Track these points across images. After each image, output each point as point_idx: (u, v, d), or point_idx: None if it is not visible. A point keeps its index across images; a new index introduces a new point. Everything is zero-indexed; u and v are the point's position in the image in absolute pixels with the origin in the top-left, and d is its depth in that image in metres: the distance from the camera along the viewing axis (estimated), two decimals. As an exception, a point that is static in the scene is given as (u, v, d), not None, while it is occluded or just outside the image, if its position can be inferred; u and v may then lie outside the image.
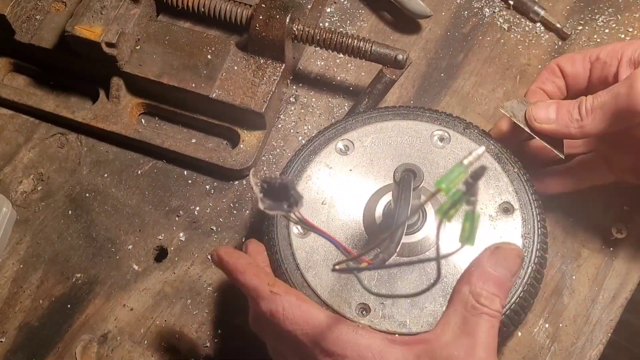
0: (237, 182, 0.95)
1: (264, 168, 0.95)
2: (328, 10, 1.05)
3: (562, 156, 0.82)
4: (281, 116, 0.98)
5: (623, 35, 1.00)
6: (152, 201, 0.94)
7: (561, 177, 0.87)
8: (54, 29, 0.98)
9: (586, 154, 0.88)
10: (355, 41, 0.92)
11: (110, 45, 0.92)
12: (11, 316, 0.89)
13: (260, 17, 0.91)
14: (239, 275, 0.73)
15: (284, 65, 0.94)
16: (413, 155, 0.84)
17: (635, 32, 1.00)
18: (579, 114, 0.78)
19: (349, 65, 1.01)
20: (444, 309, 0.73)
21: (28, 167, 0.97)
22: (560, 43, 1.01)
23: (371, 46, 0.92)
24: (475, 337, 0.65)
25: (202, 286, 0.89)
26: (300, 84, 1.00)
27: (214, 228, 0.92)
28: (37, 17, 0.98)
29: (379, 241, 0.65)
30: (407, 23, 1.03)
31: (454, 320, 0.66)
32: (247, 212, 0.93)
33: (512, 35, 1.02)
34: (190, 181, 0.95)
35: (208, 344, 0.87)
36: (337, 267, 0.63)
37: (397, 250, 0.64)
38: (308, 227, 0.66)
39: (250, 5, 0.95)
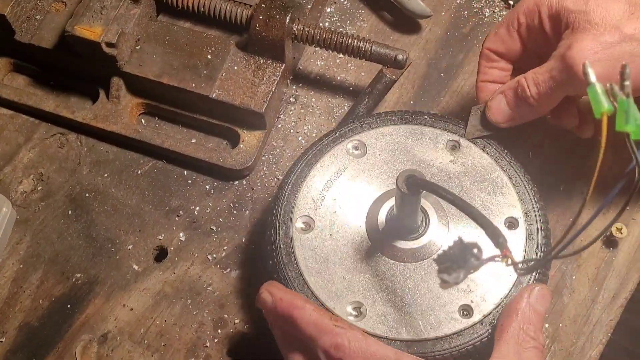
0: (237, 182, 0.95)
1: (264, 168, 0.95)
2: (328, 10, 1.05)
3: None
4: (281, 116, 0.98)
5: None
6: (152, 201, 0.94)
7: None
8: (54, 29, 0.98)
9: None
10: (355, 41, 0.92)
11: (110, 45, 0.92)
12: (11, 316, 0.89)
13: (260, 17, 0.91)
14: (297, 310, 0.72)
15: (284, 65, 0.94)
16: (420, 162, 0.84)
17: (635, 32, 1.00)
18: (529, 102, 0.80)
19: (349, 65, 1.01)
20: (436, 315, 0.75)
21: (28, 167, 0.97)
22: (560, 43, 1.00)
23: (371, 46, 0.92)
24: None
25: (202, 286, 0.89)
26: (300, 84, 1.00)
27: (214, 228, 0.92)
28: (37, 17, 0.98)
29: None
30: (407, 23, 1.03)
31: (510, 354, 0.70)
32: (247, 212, 0.93)
33: (512, 36, 1.01)
34: (190, 181, 0.95)
35: (208, 344, 0.87)
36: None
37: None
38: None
39: (250, 5, 0.95)
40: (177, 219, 0.93)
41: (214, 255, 0.91)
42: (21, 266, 0.91)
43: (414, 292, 0.78)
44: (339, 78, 1.00)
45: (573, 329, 0.85)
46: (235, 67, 0.94)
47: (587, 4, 0.75)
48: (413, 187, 0.70)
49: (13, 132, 0.99)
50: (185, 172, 0.96)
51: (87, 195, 0.95)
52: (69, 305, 0.89)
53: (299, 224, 0.82)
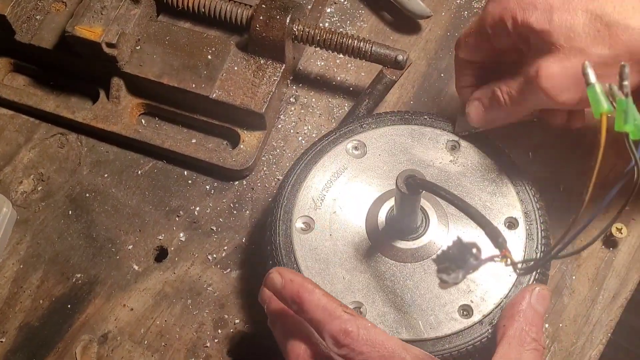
0: (237, 182, 0.95)
1: (264, 168, 0.95)
2: (328, 10, 1.05)
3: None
4: (281, 116, 0.98)
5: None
6: (152, 201, 0.94)
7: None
8: (54, 29, 0.98)
9: None
10: (355, 42, 0.92)
11: (110, 45, 0.92)
12: (11, 316, 0.89)
13: (261, 18, 0.91)
14: (307, 294, 0.71)
15: (284, 65, 0.94)
16: (420, 162, 0.84)
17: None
18: (502, 110, 0.80)
19: (349, 65, 1.01)
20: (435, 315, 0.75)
21: (28, 167, 0.97)
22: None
23: (371, 47, 0.92)
24: None
25: (202, 286, 0.89)
26: (300, 85, 1.00)
27: (214, 228, 0.92)
28: (37, 17, 0.98)
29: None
30: (407, 23, 1.03)
31: (511, 355, 0.70)
32: (247, 212, 0.93)
33: (512, 36, 1.01)
34: (190, 181, 0.95)
35: (208, 344, 0.87)
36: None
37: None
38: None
39: (251, 6, 0.95)
40: (177, 219, 0.93)
41: (214, 256, 0.91)
42: (21, 266, 0.92)
43: (413, 292, 0.78)
44: (339, 78, 1.00)
45: (573, 329, 0.85)
46: (236, 68, 0.94)
47: (551, 22, 0.72)
48: (413, 187, 0.70)
49: (13, 132, 0.99)
50: (185, 173, 0.96)
51: (87, 195, 0.95)
52: (69, 306, 0.89)
53: (298, 224, 0.82)
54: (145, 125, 0.99)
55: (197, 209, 0.94)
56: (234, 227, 0.92)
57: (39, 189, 0.96)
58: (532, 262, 0.75)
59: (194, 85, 0.93)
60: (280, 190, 0.84)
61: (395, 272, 0.79)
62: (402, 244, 0.80)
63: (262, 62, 0.94)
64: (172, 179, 0.96)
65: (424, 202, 0.80)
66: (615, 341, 0.89)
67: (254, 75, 0.93)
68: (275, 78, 0.93)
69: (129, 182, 0.96)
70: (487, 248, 0.65)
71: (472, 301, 0.77)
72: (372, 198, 0.83)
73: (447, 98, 0.98)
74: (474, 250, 0.64)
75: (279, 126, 0.98)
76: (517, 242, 0.80)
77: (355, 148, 0.86)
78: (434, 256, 0.78)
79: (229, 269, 0.90)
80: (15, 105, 1.00)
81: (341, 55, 0.96)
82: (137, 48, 0.95)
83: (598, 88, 0.60)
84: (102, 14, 0.93)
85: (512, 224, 0.81)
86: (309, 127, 0.97)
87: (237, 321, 0.88)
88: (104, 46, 0.92)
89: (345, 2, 1.05)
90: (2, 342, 0.88)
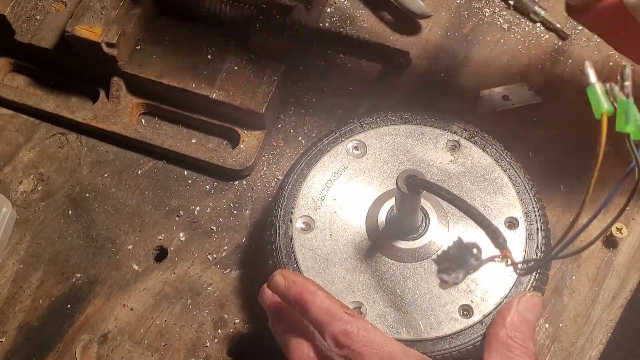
0: (237, 182, 0.95)
1: (264, 168, 0.95)
2: (328, 10, 1.05)
3: None
4: (281, 116, 0.98)
5: (623, 36, 1.00)
6: (152, 201, 0.94)
7: None
8: (54, 29, 0.98)
9: None
10: (355, 41, 0.92)
11: (110, 45, 0.92)
12: (11, 316, 0.89)
13: (261, 18, 0.91)
14: (310, 295, 0.71)
15: (284, 65, 0.94)
16: (421, 162, 0.84)
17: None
18: None
19: (350, 65, 1.01)
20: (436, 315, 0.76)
21: (28, 167, 0.97)
22: (560, 43, 1.01)
23: (371, 46, 0.92)
24: None
25: (202, 286, 0.89)
26: (301, 84, 1.00)
27: (214, 228, 0.92)
28: (37, 17, 0.98)
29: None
30: (407, 23, 1.03)
31: None
32: (247, 212, 0.93)
33: (512, 36, 1.02)
34: (190, 181, 0.95)
35: (208, 344, 0.87)
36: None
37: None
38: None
39: (251, 6, 0.95)
40: (177, 219, 0.93)
41: (214, 255, 0.91)
42: (21, 266, 0.91)
43: (414, 292, 0.78)
44: (339, 78, 1.00)
45: (573, 329, 0.85)
46: (236, 68, 0.94)
47: None
48: (413, 187, 0.70)
49: (13, 132, 0.99)
50: (185, 172, 0.96)
51: (87, 195, 0.95)
52: (69, 305, 0.89)
53: (299, 224, 0.82)
54: (145, 125, 0.98)
55: (197, 208, 0.94)
56: (233, 227, 0.92)
57: (38, 188, 0.96)
58: (533, 263, 0.75)
59: (194, 85, 0.93)
60: (280, 190, 0.84)
61: (395, 272, 0.79)
62: (403, 244, 0.80)
63: (262, 62, 0.94)
64: (172, 178, 0.96)
65: (424, 202, 0.80)
66: (616, 341, 0.89)
67: (254, 75, 0.93)
68: (275, 78, 0.93)
69: (128, 182, 0.96)
70: (488, 248, 0.65)
71: (472, 301, 0.77)
72: (372, 198, 0.83)
73: (447, 98, 0.98)
74: (474, 251, 0.64)
75: (279, 126, 0.98)
76: (518, 242, 0.80)
77: (356, 148, 0.86)
78: (434, 256, 0.77)
79: (229, 269, 0.90)
80: (15, 105, 1.00)
81: (341, 55, 0.96)
82: (137, 48, 0.95)
83: (599, 88, 0.60)
84: (102, 13, 0.93)
85: (512, 224, 0.81)
86: (309, 127, 0.97)
87: (237, 321, 0.88)
88: (103, 46, 0.92)
89: (345, 2, 1.05)
90: (1, 342, 0.88)
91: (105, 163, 0.97)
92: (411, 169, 0.70)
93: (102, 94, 0.98)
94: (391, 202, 0.81)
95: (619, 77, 0.59)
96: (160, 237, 0.92)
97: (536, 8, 1.01)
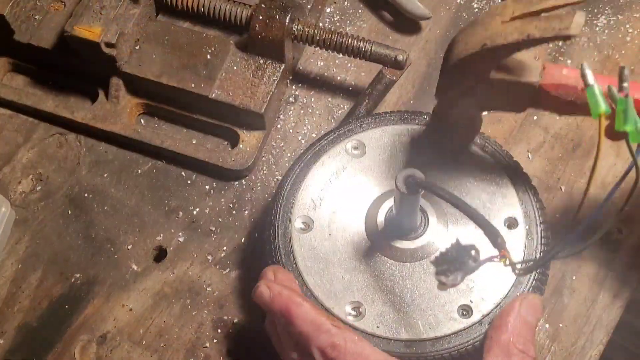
0: (236, 183, 0.95)
1: (264, 168, 0.95)
2: (328, 10, 1.04)
3: None
4: (281, 116, 0.98)
5: (622, 36, 1.00)
6: (152, 201, 0.94)
7: None
8: (53, 29, 0.97)
9: None
10: (355, 41, 0.92)
11: (109, 45, 0.92)
12: (10, 316, 0.89)
13: (260, 17, 0.91)
14: (295, 307, 0.71)
15: (283, 65, 0.93)
16: (419, 162, 0.84)
17: (635, 32, 1.00)
18: None
19: (349, 65, 1.01)
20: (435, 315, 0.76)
21: (27, 167, 0.97)
22: (560, 43, 1.00)
23: (371, 46, 0.92)
24: None
25: (201, 286, 0.89)
26: (300, 84, 1.00)
27: (213, 228, 0.92)
28: (36, 17, 0.98)
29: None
30: (407, 23, 1.03)
31: None
32: (247, 212, 0.93)
33: (512, 36, 1.01)
34: (189, 181, 0.95)
35: (207, 345, 0.87)
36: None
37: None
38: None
39: (250, 5, 0.95)
40: (176, 219, 0.93)
41: (214, 256, 0.91)
42: (20, 266, 0.91)
43: (413, 292, 0.78)
44: (338, 78, 1.00)
45: (573, 329, 0.85)
46: (235, 67, 0.94)
47: None
48: (412, 187, 0.70)
49: (12, 132, 0.99)
50: (184, 173, 0.96)
51: (86, 195, 0.95)
52: (67, 306, 0.89)
53: (298, 224, 0.82)
54: (144, 125, 0.98)
55: (197, 209, 0.93)
56: (233, 227, 0.92)
57: (37, 188, 0.96)
58: (531, 263, 0.75)
59: (193, 85, 0.93)
60: (279, 190, 0.84)
61: (394, 272, 0.79)
62: (402, 244, 0.79)
63: (261, 61, 0.94)
64: (172, 179, 0.95)
65: (423, 202, 0.80)
66: (616, 341, 0.89)
67: (254, 75, 0.93)
68: (274, 78, 0.93)
69: (128, 182, 0.95)
70: (486, 248, 0.65)
71: (471, 301, 0.77)
72: (371, 198, 0.83)
73: (446, 98, 0.98)
74: (473, 252, 0.64)
75: (279, 126, 0.98)
76: (517, 242, 0.80)
77: (355, 148, 0.85)
78: (432, 258, 0.77)
79: (228, 269, 0.90)
80: (14, 105, 1.00)
81: (341, 55, 0.96)
82: (136, 48, 0.95)
83: (597, 89, 0.60)
84: (101, 13, 0.93)
85: (512, 224, 0.80)
86: (309, 127, 0.97)
87: (236, 321, 0.88)
88: (103, 46, 0.92)
89: (345, 2, 1.05)
90: (0, 342, 0.88)
91: (104, 163, 0.97)
92: (410, 169, 0.70)
93: (101, 94, 0.98)
94: (390, 202, 0.81)
95: (617, 78, 0.59)
96: (159, 237, 0.92)
97: (536, 8, 1.01)
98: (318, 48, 0.95)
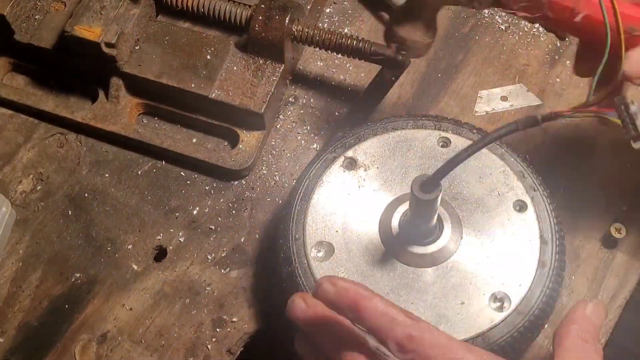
0: (236, 182, 0.95)
1: (263, 168, 0.95)
2: (327, 10, 1.05)
3: None
4: (280, 116, 0.98)
5: (622, 36, 1.00)
6: (152, 201, 0.94)
7: None
8: (54, 29, 0.98)
9: None
10: (355, 42, 0.92)
11: (109, 45, 0.92)
12: (10, 316, 0.89)
13: (260, 18, 0.91)
14: (365, 301, 0.68)
15: (283, 65, 0.94)
16: (421, 165, 0.84)
17: (636, 33, 1.00)
18: None
19: (348, 65, 1.01)
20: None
21: (27, 167, 0.97)
22: (559, 44, 1.01)
23: (370, 47, 0.92)
24: None
25: (201, 286, 0.89)
26: (300, 85, 1.00)
27: (213, 228, 0.92)
28: (37, 17, 0.98)
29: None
30: (406, 24, 1.03)
31: (571, 356, 0.69)
32: (247, 212, 0.93)
33: (510, 36, 1.02)
34: (189, 181, 0.95)
35: (207, 344, 0.87)
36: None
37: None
38: None
39: (250, 6, 0.95)
40: (176, 218, 0.93)
41: (213, 255, 0.91)
42: (20, 266, 0.91)
43: (434, 295, 0.78)
44: (338, 79, 1.00)
45: (572, 329, 0.85)
46: (235, 68, 0.94)
47: None
48: (430, 187, 0.69)
49: (12, 132, 0.99)
50: (184, 172, 0.96)
51: (86, 195, 0.95)
52: (68, 305, 0.89)
53: (314, 253, 0.81)
54: (144, 125, 0.98)
55: (197, 208, 0.94)
56: (233, 227, 0.92)
57: (38, 188, 0.96)
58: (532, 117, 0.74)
59: (193, 85, 0.93)
60: (286, 221, 0.83)
61: (413, 278, 0.78)
62: (417, 249, 0.79)
63: (261, 62, 0.94)
64: (172, 178, 0.96)
65: None
66: (615, 341, 0.89)
67: (253, 75, 0.93)
68: (274, 78, 0.93)
69: (128, 182, 0.96)
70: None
71: (497, 297, 0.77)
72: (382, 205, 0.82)
73: (446, 98, 0.98)
74: None
75: (278, 126, 0.98)
76: (530, 222, 0.80)
77: (350, 163, 0.85)
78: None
79: (228, 269, 0.90)
80: (15, 104, 1.00)
81: (340, 56, 0.96)
82: (137, 48, 0.95)
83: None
84: (101, 13, 0.93)
85: (521, 207, 0.81)
86: (308, 128, 0.97)
87: (235, 320, 0.88)
88: (103, 46, 0.92)
89: (345, 3, 1.05)
90: (1, 341, 0.88)
91: (104, 163, 0.97)
92: (422, 174, 0.69)
93: (101, 93, 0.98)
94: (403, 208, 0.80)
95: None
96: (159, 237, 0.92)
97: (535, 9, 1.01)
98: (317, 48, 0.95)
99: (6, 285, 0.91)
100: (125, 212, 0.94)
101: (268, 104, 0.92)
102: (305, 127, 0.98)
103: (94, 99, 0.99)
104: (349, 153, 0.86)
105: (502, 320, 0.76)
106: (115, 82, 0.96)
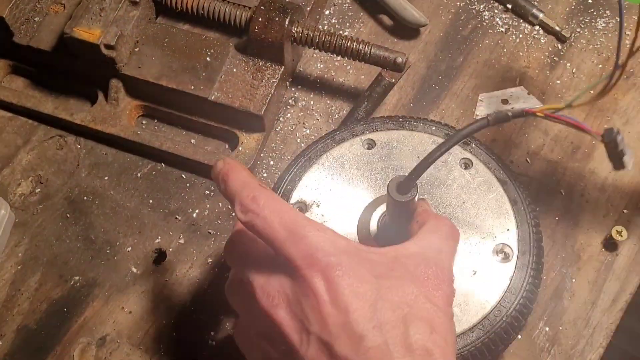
0: (236, 185, 0.95)
1: (263, 171, 0.95)
2: (327, 12, 1.04)
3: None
4: (280, 119, 0.98)
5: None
6: (151, 204, 0.94)
7: None
8: (53, 31, 0.97)
9: None
10: (355, 44, 0.92)
11: (109, 47, 0.92)
12: (9, 319, 0.89)
13: (260, 20, 0.91)
14: (232, 171, 0.68)
15: (283, 67, 0.93)
16: (406, 167, 0.84)
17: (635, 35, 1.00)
18: None
19: (348, 67, 1.01)
20: None
21: (26, 169, 0.97)
22: (559, 46, 1.01)
23: (370, 49, 0.92)
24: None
25: (201, 289, 0.89)
26: (300, 87, 1.00)
27: (213, 231, 0.92)
28: (36, 19, 0.98)
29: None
30: (406, 26, 1.03)
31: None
32: (246, 214, 0.93)
33: (511, 38, 1.02)
34: (189, 184, 0.95)
35: (206, 348, 0.86)
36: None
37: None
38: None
39: (250, 8, 0.95)
40: (176, 221, 0.93)
41: (213, 258, 0.91)
42: (19, 268, 0.91)
43: None
44: (338, 81, 1.00)
45: (573, 332, 0.85)
46: (234, 70, 0.94)
47: None
48: (406, 188, 0.69)
49: (11, 134, 0.99)
50: (184, 175, 0.96)
51: (85, 197, 0.95)
52: (67, 308, 0.89)
53: None
54: (144, 127, 0.98)
55: (196, 211, 0.93)
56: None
57: (37, 191, 0.96)
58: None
59: (192, 87, 0.93)
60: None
61: None
62: None
63: (261, 64, 0.94)
64: (171, 181, 0.95)
65: None
66: (616, 344, 0.89)
67: (253, 77, 0.93)
68: (274, 80, 0.93)
69: (127, 184, 0.95)
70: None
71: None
72: (361, 206, 0.82)
73: (446, 100, 0.98)
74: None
75: (278, 128, 0.98)
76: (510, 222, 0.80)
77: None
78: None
79: (228, 272, 0.90)
80: (14, 107, 1.00)
81: (340, 58, 0.96)
82: (136, 50, 0.95)
83: None
84: (100, 15, 0.92)
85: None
86: (308, 130, 0.97)
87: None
88: (102, 48, 0.92)
89: (345, 5, 1.05)
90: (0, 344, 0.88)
91: (103, 165, 0.97)
92: (399, 175, 0.69)
93: (100, 96, 0.98)
94: (381, 210, 0.80)
95: None
96: (158, 240, 0.92)
97: (534, 10, 1.01)
98: (317, 50, 0.95)
99: (5, 288, 0.90)
100: (125, 214, 0.94)
101: (268, 106, 0.92)
102: (305, 130, 0.97)
103: (93, 101, 0.98)
104: (328, 154, 0.85)
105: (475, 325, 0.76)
106: (115, 84, 0.96)
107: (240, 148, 0.94)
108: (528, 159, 0.93)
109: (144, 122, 0.99)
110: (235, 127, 0.95)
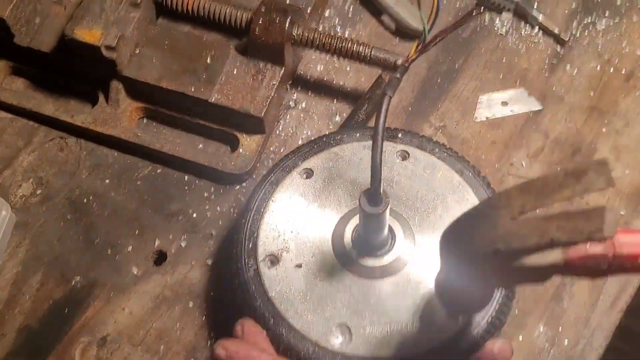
0: (236, 186, 0.95)
1: (264, 172, 0.95)
2: (327, 14, 1.05)
3: None
4: (280, 120, 0.98)
5: (621, 39, 1.00)
6: (152, 205, 0.94)
7: None
8: (53, 32, 0.97)
9: None
10: (355, 46, 0.92)
11: (109, 48, 0.92)
12: (11, 318, 0.89)
13: (260, 21, 0.91)
14: None
15: (283, 69, 0.94)
16: (354, 179, 0.84)
17: (635, 37, 1.00)
18: None
19: (349, 69, 1.01)
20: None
21: (27, 170, 0.97)
22: (559, 48, 1.01)
23: (370, 51, 0.92)
24: None
25: (201, 289, 0.89)
26: (300, 89, 1.00)
27: (213, 232, 0.92)
28: (37, 20, 0.98)
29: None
30: (407, 27, 1.03)
31: None
32: (247, 215, 0.93)
33: (511, 40, 1.02)
34: (189, 185, 0.95)
35: (207, 348, 0.87)
36: None
37: None
38: None
39: (250, 9, 0.95)
40: (176, 222, 0.93)
41: (213, 259, 0.91)
42: (21, 269, 0.91)
43: (391, 306, 0.77)
44: (338, 82, 1.00)
45: (573, 333, 0.85)
46: (235, 71, 0.94)
47: None
48: (377, 200, 0.69)
49: (13, 136, 0.99)
50: (184, 176, 0.96)
51: (86, 199, 0.95)
52: (68, 308, 0.89)
53: (265, 261, 0.80)
54: (144, 128, 0.98)
55: (197, 212, 0.94)
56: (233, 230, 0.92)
57: (38, 192, 0.96)
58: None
59: (193, 89, 0.93)
60: (240, 229, 0.83)
61: (369, 289, 0.78)
62: (371, 262, 0.79)
63: (261, 65, 0.94)
64: (171, 182, 0.96)
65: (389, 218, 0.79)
66: (615, 346, 0.89)
67: (253, 79, 0.93)
68: (274, 82, 0.93)
69: (128, 186, 0.95)
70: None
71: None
72: (335, 219, 0.82)
73: (446, 102, 0.98)
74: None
75: (278, 130, 0.98)
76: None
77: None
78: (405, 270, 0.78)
79: (228, 272, 0.90)
80: (15, 108, 1.00)
81: (340, 60, 0.96)
82: (137, 51, 0.95)
83: None
84: (101, 17, 0.93)
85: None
86: (308, 132, 0.97)
87: (235, 324, 0.87)
88: (103, 49, 0.92)
89: (345, 6, 1.05)
90: (1, 344, 0.88)
91: (104, 167, 0.97)
92: (366, 189, 0.69)
93: (101, 97, 0.98)
94: (354, 222, 0.80)
95: None
96: (159, 241, 0.92)
97: (534, 12, 1.01)
98: (318, 52, 0.95)
99: (7, 288, 0.91)
100: (125, 215, 0.94)
101: (268, 108, 0.92)
102: (305, 131, 0.97)
103: (94, 102, 0.98)
104: (305, 164, 0.85)
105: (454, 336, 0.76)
106: (115, 85, 0.96)
107: (241, 150, 0.94)
108: (523, 163, 0.94)
109: (144, 123, 0.99)
110: (236, 129, 0.95)
